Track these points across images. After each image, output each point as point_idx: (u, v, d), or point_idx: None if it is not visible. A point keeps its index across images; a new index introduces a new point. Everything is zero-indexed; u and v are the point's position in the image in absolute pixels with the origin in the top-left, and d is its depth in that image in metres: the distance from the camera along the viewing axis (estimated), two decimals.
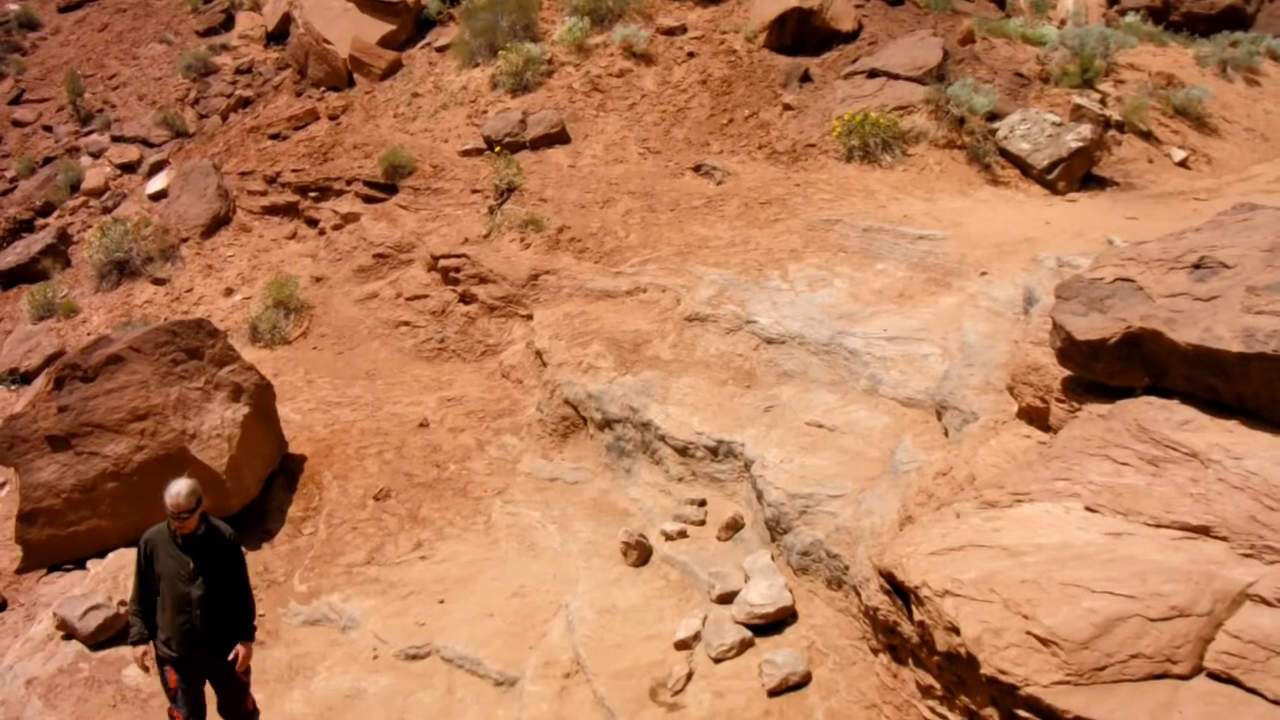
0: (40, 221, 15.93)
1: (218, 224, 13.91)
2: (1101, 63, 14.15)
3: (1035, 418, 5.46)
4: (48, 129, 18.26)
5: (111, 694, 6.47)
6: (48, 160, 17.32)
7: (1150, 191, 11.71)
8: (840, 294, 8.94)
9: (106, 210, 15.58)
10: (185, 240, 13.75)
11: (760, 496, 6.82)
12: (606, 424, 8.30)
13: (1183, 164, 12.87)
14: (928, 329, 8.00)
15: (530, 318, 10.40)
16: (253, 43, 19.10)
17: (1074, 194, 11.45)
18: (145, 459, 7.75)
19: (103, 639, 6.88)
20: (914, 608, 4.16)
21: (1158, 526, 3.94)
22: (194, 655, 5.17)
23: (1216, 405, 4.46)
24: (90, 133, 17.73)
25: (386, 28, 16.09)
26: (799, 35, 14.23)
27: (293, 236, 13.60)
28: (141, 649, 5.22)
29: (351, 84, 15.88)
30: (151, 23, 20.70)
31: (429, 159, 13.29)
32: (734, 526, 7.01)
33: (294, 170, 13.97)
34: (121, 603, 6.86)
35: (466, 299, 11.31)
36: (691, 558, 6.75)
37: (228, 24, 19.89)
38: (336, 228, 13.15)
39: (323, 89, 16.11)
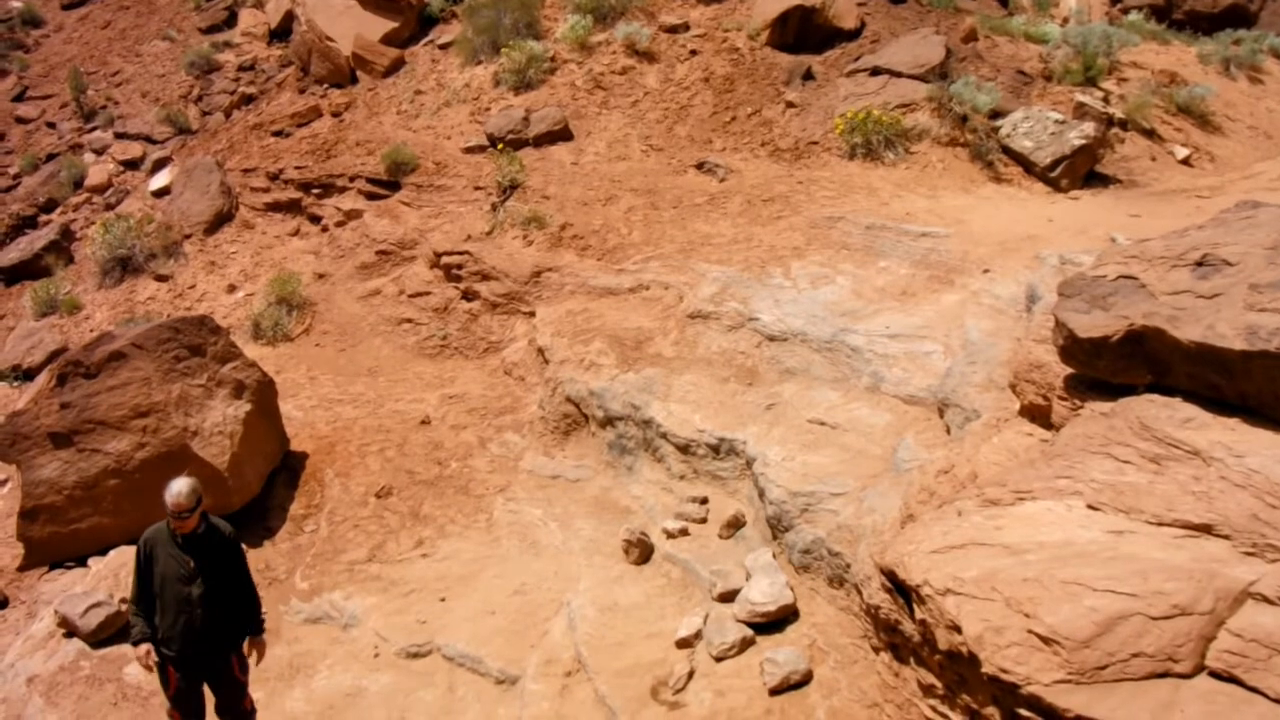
0: (43, 218, 15.96)
1: (220, 221, 13.91)
2: (1104, 61, 14.14)
3: (1037, 415, 5.44)
4: (51, 126, 18.28)
5: (112, 692, 6.46)
6: (51, 157, 17.34)
7: (1153, 189, 11.69)
8: (843, 291, 8.93)
9: (109, 207, 15.59)
10: (188, 237, 13.75)
11: (762, 494, 6.81)
12: (608, 421, 8.29)
13: (1185, 162, 12.85)
14: (930, 326, 7.99)
15: (532, 315, 10.39)
16: (255, 40, 19.12)
17: (1077, 191, 11.43)
18: (147, 456, 7.75)
19: (104, 637, 6.86)
20: (915, 606, 4.15)
21: (1160, 525, 3.93)
22: (194, 655, 5.16)
23: (1219, 403, 4.45)
24: (93, 129, 17.75)
25: (389, 25, 16.12)
26: (801, 33, 14.23)
27: (295, 233, 13.59)
28: (144, 648, 5.18)
29: (354, 81, 15.90)
30: (154, 20, 20.73)
31: (432, 156, 13.29)
32: (736, 524, 7.00)
33: (297, 167, 13.97)
34: (123, 600, 6.86)
35: (469, 296, 11.31)
36: (693, 556, 6.75)
37: (230, 21, 19.92)
38: (339, 224, 13.15)
39: (325, 86, 16.12)
